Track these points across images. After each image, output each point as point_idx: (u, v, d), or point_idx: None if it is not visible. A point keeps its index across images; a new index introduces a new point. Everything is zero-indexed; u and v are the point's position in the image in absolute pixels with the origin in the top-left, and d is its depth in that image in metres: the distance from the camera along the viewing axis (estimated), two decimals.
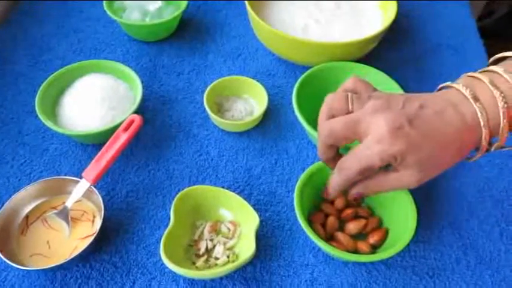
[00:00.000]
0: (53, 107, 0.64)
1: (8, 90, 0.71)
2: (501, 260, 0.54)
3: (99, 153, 0.55)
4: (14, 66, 0.74)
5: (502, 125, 0.40)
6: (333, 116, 0.45)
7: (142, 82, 0.65)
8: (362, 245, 0.53)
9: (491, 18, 1.62)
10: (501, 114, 0.40)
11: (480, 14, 1.62)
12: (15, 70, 0.74)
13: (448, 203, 0.59)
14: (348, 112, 0.44)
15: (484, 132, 0.40)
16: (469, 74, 0.44)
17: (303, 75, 0.64)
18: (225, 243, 0.53)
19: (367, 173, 0.44)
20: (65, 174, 0.59)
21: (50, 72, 0.65)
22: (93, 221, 0.55)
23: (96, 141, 0.63)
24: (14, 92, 0.70)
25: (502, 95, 0.39)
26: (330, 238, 0.54)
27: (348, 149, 0.46)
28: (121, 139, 0.56)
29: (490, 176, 0.62)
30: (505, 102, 0.39)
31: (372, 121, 0.41)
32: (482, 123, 0.40)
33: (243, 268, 0.53)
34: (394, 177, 0.44)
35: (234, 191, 0.56)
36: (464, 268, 0.54)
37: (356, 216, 0.56)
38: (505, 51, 0.44)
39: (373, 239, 0.53)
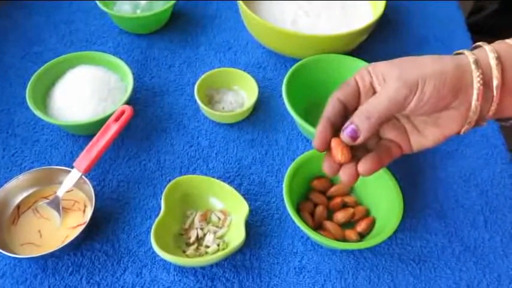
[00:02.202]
0: (43, 99, 0.64)
1: None
2: (485, 248, 0.56)
3: (90, 143, 0.56)
4: (4, 57, 0.74)
5: (494, 69, 0.39)
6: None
7: (133, 74, 0.65)
8: (350, 233, 0.54)
9: (481, 15, 1.64)
10: (493, 64, 0.40)
11: (470, 10, 1.63)
12: (5, 62, 0.74)
13: (433, 192, 0.60)
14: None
15: (475, 72, 0.39)
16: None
17: (293, 68, 0.65)
18: (215, 232, 0.54)
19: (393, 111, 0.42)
20: (56, 165, 0.59)
21: (41, 64, 0.65)
22: (84, 211, 0.55)
23: (87, 133, 0.63)
24: (4, 83, 0.70)
25: (496, 54, 0.40)
26: (318, 227, 0.55)
27: None
28: (112, 129, 0.56)
29: (475, 166, 0.63)
30: (497, 58, 0.39)
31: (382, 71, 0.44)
32: (472, 60, 0.40)
33: (233, 256, 0.53)
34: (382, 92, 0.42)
35: (224, 181, 0.56)
36: (450, 255, 0.55)
37: (344, 206, 0.57)
38: None
39: (360, 227, 0.54)
